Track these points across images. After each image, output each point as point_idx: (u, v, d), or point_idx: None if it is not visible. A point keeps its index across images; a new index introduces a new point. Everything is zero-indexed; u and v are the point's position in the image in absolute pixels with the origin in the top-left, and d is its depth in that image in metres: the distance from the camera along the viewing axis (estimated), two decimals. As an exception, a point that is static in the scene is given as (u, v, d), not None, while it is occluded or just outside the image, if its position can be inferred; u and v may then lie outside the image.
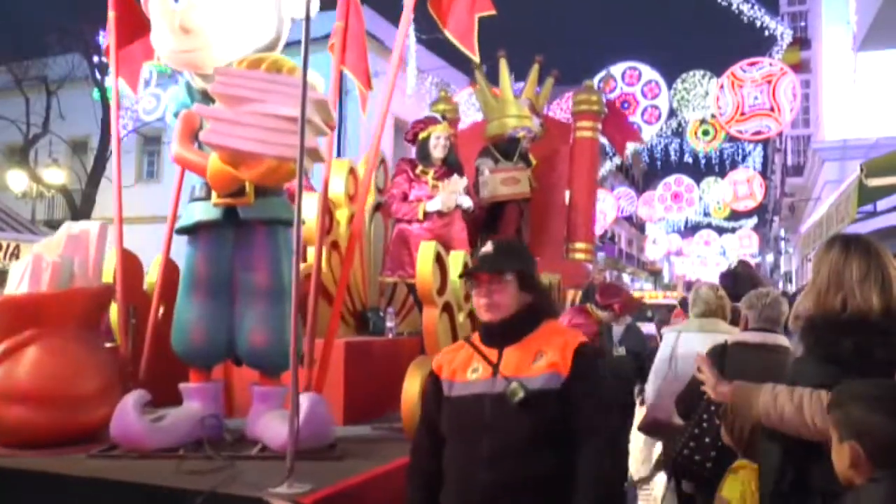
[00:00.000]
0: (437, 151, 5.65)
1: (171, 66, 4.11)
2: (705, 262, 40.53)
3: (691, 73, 22.24)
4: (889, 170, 6.36)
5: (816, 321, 2.75)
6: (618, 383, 6.32)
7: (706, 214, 34.39)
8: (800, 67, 21.33)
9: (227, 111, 3.49)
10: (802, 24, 23.38)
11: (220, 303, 3.92)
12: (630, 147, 23.35)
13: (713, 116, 20.28)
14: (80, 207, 18.67)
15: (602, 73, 8.24)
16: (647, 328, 13.12)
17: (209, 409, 3.92)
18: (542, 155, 8.13)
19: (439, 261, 4.36)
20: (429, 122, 5.77)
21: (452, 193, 5.53)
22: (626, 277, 43.01)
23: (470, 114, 14.67)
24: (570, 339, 2.61)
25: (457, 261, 4.63)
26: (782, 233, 32.24)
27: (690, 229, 40.18)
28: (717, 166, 27.27)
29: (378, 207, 5.73)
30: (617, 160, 26.27)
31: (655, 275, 47.65)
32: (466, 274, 2.88)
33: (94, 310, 4.13)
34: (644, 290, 34.42)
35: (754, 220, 39.92)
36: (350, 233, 5.32)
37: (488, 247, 2.72)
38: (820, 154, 20.01)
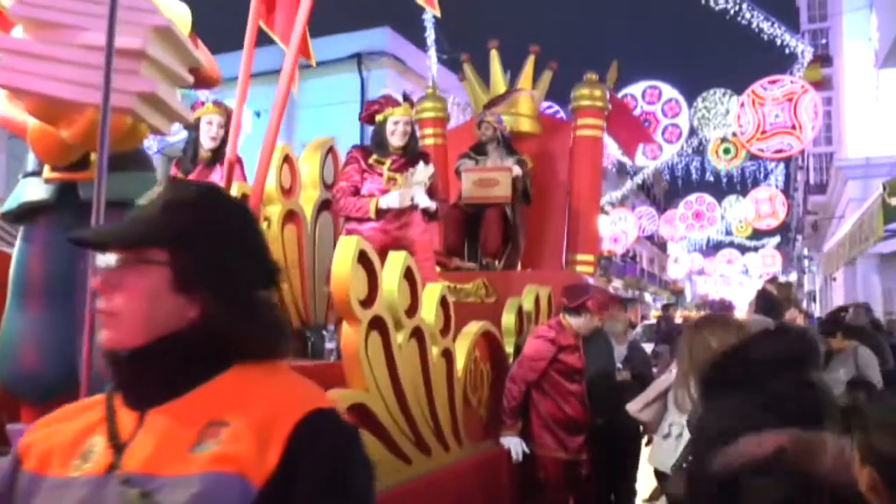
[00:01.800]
0: (395, 139, 4.42)
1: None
2: (728, 282, 38.72)
3: (712, 91, 21.13)
4: (913, 188, 5.89)
5: None
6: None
7: (728, 233, 32.65)
8: (821, 85, 20.08)
9: (32, 42, 2.33)
10: (823, 41, 21.99)
11: (60, 313, 2.71)
12: (651, 164, 22.27)
13: (734, 135, 19.46)
14: (105, 226, 17.77)
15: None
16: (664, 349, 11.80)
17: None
18: (540, 156, 6.91)
19: (364, 260, 3.13)
20: (387, 102, 4.53)
21: (415, 185, 4.32)
22: (647, 297, 41.29)
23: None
24: (288, 402, 1.18)
25: (396, 263, 3.40)
26: (805, 251, 30.61)
27: (712, 248, 38.40)
28: (738, 185, 25.71)
29: (326, 205, 4.51)
30: (638, 179, 24.94)
31: (678, 294, 45.71)
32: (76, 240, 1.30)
33: None
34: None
35: (777, 239, 38.01)
36: (282, 235, 4.16)
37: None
38: (843, 172, 18.84)
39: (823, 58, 21.20)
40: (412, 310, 3.46)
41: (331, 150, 4.64)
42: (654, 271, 45.14)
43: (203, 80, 2.82)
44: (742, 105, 15.71)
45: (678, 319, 13.61)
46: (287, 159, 4.18)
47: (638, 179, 25.31)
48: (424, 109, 7.12)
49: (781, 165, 26.12)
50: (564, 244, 6.85)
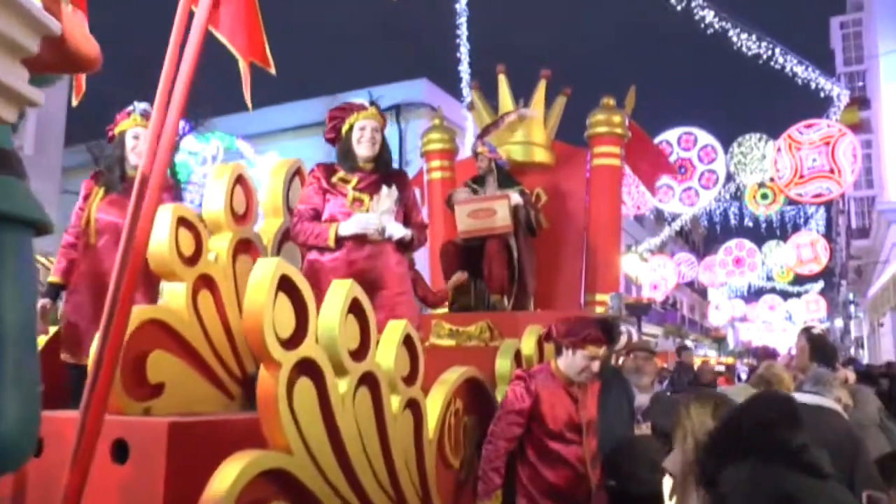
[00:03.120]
0: (361, 148, 3.64)
1: None
2: (771, 328, 36.89)
3: (747, 136, 20.24)
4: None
5: None
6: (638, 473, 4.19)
7: (769, 279, 31.13)
8: (860, 127, 19.18)
9: None
10: (860, 83, 21.01)
11: None
12: (689, 211, 21.28)
13: (771, 180, 18.64)
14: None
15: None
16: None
17: None
18: (554, 187, 6.17)
19: (288, 288, 2.42)
20: (350, 108, 3.76)
21: (383, 215, 3.56)
22: (689, 343, 39.56)
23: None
24: None
25: (338, 294, 2.67)
26: (851, 297, 29.04)
27: (754, 294, 36.62)
28: (778, 230, 24.41)
29: (288, 234, 3.80)
30: (676, 225, 23.95)
31: (720, 341, 43.79)
32: None
33: None
34: (708, 356, 31.05)
35: (821, 284, 36.14)
36: (234, 268, 3.47)
37: None
38: (885, 215, 17.81)
39: (861, 100, 20.26)
40: (361, 352, 2.72)
41: (298, 172, 3.95)
42: (695, 318, 43.31)
43: (69, 59, 2.14)
44: (778, 150, 15.03)
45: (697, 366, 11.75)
46: (240, 180, 3.50)
47: (676, 226, 24.36)
48: (431, 141, 6.46)
49: (822, 209, 24.90)
50: (583, 283, 6.07)
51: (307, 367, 2.47)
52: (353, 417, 2.64)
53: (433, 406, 3.19)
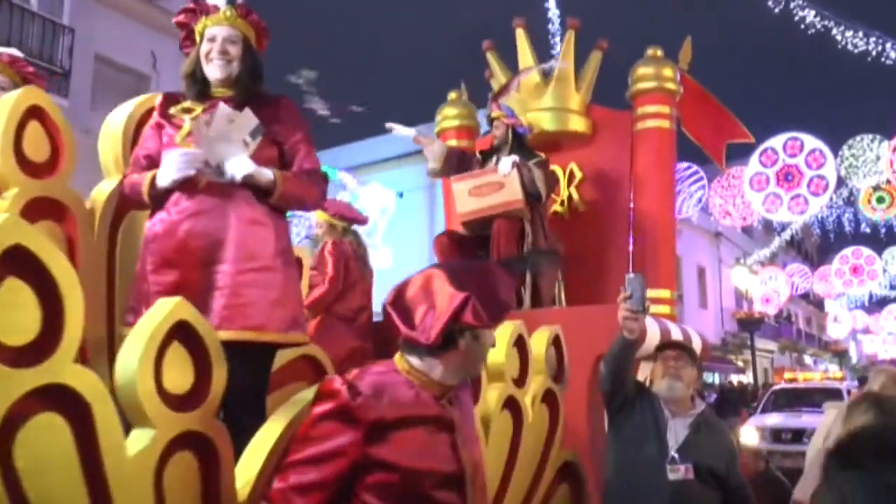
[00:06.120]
0: (211, 68, 2.25)
1: None
2: (900, 340, 32.32)
3: (858, 137, 17.68)
4: None
5: None
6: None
7: (893, 287, 27.25)
8: None
9: None
10: None
11: None
12: (799, 219, 18.69)
13: (888, 182, 16.14)
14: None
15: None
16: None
17: None
18: (593, 161, 4.63)
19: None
20: (198, 9, 2.28)
21: (215, 143, 2.09)
22: (807, 359, 35.36)
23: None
24: None
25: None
26: None
27: (877, 304, 32.18)
28: (900, 234, 21.18)
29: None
30: (786, 235, 21.29)
31: (840, 355, 38.96)
32: None
33: None
34: (829, 372, 27.18)
35: (955, 290, 31.45)
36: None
37: None
38: None
39: None
40: (43, 345, 1.33)
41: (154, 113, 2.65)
42: (812, 331, 38.70)
43: None
44: (894, 150, 13.31)
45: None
46: (37, 112, 2.21)
47: (786, 235, 21.70)
48: (446, 118, 5.06)
49: (949, 210, 21.47)
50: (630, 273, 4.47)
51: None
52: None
53: (261, 444, 1.74)
